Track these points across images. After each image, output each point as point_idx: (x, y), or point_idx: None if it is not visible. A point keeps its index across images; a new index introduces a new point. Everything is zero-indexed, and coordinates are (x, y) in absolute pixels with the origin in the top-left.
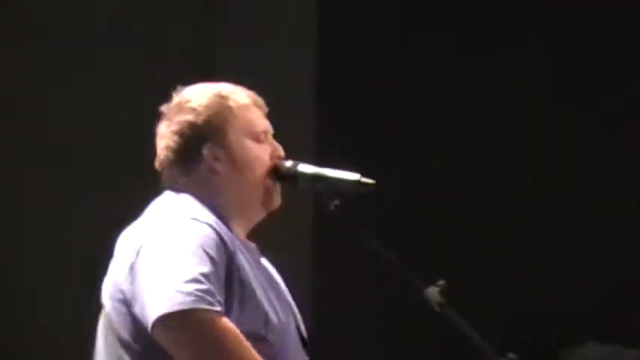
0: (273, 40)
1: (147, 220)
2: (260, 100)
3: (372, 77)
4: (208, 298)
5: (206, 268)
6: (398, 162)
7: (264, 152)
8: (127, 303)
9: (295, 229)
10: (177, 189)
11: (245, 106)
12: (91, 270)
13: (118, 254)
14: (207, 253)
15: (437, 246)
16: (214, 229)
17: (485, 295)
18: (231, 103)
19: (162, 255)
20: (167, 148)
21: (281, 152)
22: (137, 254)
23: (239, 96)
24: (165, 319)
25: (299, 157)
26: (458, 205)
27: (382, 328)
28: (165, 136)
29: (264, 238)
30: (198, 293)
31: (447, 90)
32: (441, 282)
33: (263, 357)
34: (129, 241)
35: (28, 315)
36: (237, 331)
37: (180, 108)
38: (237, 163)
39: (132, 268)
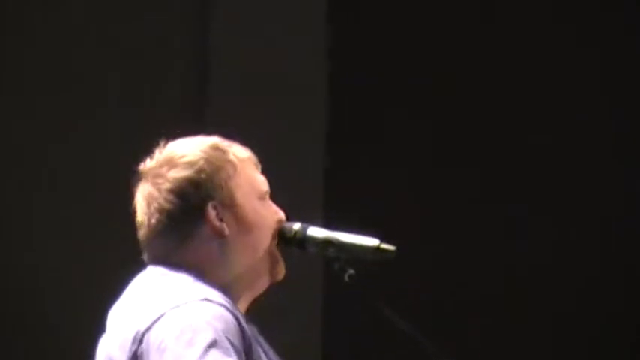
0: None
1: (145, 302)
2: (255, 158)
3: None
4: None
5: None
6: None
7: (270, 214)
8: None
9: (303, 297)
10: (171, 264)
11: (246, 162)
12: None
13: (111, 332)
14: (230, 342)
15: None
16: (231, 312)
17: None
18: (232, 157)
19: (182, 348)
20: (160, 211)
21: (282, 215)
22: (139, 342)
23: (237, 150)
24: None
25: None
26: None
27: None
28: (155, 198)
29: (266, 309)
30: None
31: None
32: None
33: None
34: (125, 323)
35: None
36: None
37: (173, 164)
38: (246, 226)
39: (137, 356)
